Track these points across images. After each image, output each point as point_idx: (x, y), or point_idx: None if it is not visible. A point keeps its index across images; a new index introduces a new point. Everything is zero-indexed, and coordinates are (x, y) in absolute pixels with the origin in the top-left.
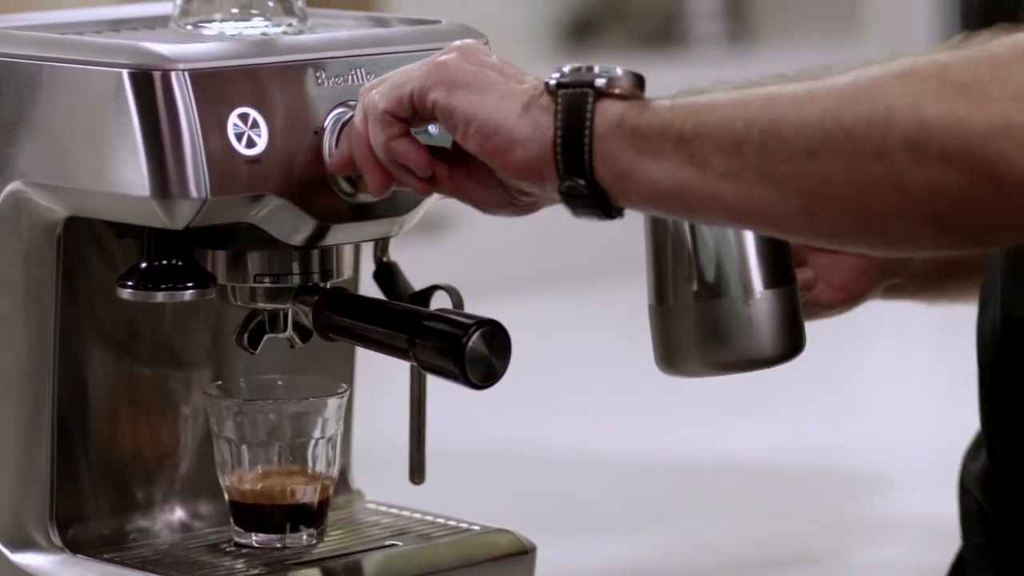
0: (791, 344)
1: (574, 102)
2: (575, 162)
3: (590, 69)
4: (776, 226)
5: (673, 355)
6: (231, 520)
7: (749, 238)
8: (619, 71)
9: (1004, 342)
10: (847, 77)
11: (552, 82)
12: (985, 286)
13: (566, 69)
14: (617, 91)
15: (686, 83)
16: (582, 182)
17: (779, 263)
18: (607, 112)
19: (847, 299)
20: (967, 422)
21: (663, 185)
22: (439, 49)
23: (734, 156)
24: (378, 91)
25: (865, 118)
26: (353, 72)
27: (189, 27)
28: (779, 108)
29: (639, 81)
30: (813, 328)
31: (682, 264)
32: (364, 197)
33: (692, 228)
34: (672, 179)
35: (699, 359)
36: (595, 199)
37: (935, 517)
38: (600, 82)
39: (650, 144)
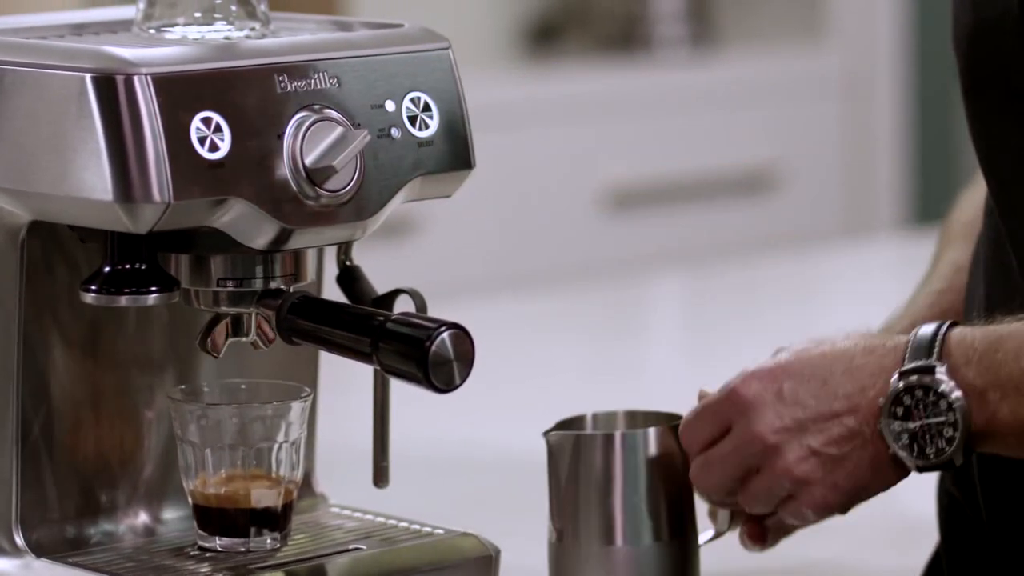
0: None
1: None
2: None
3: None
4: None
5: None
6: (195, 524)
7: (655, 488)
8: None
9: None
10: None
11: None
12: (969, 287)
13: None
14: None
15: (650, 86)
16: None
17: (677, 515)
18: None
19: None
20: None
21: None
22: (401, 53)
23: None
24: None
25: None
26: (316, 76)
27: (152, 31)
28: None
29: None
30: (771, 331)
31: (584, 507)
32: (327, 200)
33: (603, 473)
34: None
35: None
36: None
37: (912, 517)
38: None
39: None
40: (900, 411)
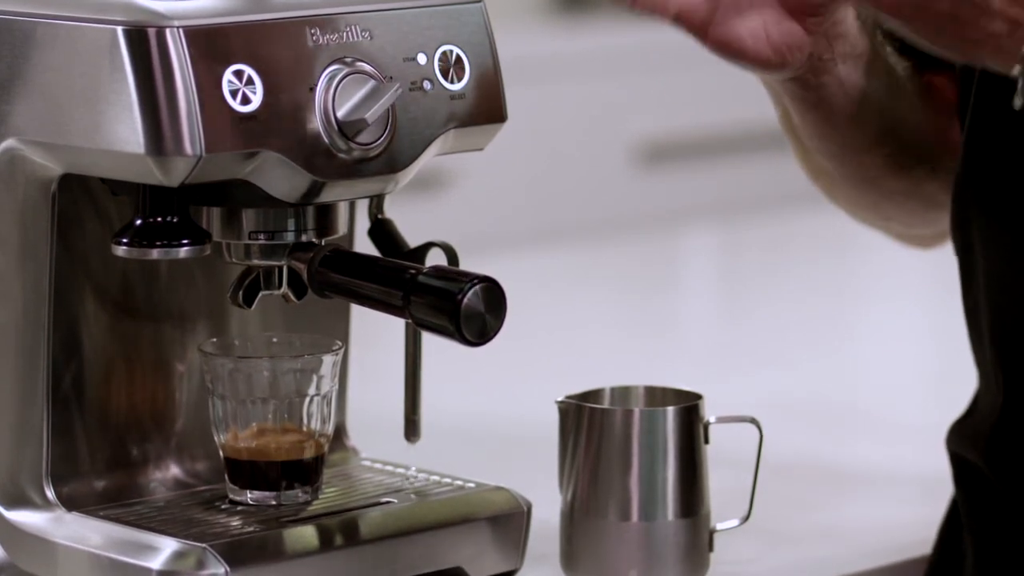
0: (692, 572)
1: None
2: None
3: None
4: None
5: (575, 563)
6: (226, 477)
7: (671, 467)
8: None
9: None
10: None
11: None
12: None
13: None
14: None
15: (683, 40)
16: None
17: (692, 494)
18: None
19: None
20: (962, 377)
21: None
22: (434, 6)
23: None
24: None
25: None
26: (348, 29)
27: None
28: None
29: None
30: (804, 285)
31: (602, 481)
32: (359, 153)
33: (621, 449)
34: None
35: (599, 574)
36: None
37: (929, 472)
38: None
39: None
40: None
